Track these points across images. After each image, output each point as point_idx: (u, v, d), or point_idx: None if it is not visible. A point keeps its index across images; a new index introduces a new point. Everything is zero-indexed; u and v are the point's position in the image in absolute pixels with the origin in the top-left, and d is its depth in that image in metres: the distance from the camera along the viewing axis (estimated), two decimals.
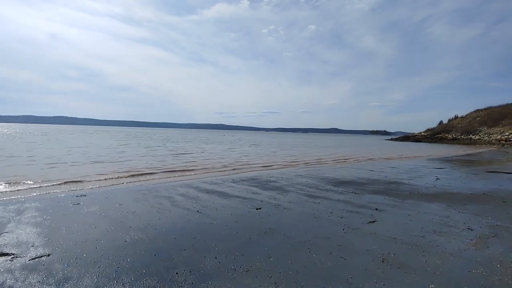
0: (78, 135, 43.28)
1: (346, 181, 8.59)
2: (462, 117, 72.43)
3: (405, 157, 20.00)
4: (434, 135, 63.72)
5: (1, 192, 6.38)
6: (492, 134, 53.37)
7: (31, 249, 3.27)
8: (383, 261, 3.09)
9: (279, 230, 4.05)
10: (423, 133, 68.31)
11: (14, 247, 3.31)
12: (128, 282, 2.59)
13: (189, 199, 5.86)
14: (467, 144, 50.48)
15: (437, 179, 9.28)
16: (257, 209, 5.21)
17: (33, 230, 3.85)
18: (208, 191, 6.65)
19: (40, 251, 3.20)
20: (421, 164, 14.68)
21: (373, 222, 4.50)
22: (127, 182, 7.96)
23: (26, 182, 7.44)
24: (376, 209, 5.31)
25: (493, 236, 3.94)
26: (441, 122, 76.29)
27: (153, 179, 8.70)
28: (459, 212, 5.19)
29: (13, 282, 2.57)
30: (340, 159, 17.43)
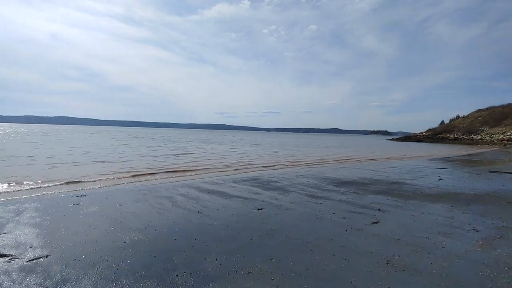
0: (79, 135, 43.32)
1: (348, 181, 8.52)
2: (463, 117, 72.22)
3: (407, 157, 19.90)
4: (436, 135, 63.53)
5: (1, 192, 6.35)
6: (494, 134, 53.16)
7: (29, 250, 3.22)
8: (387, 263, 3.03)
9: (281, 231, 3.99)
10: (424, 133, 68.12)
11: (13, 248, 3.27)
12: (127, 285, 2.53)
13: (190, 199, 5.80)
14: (469, 144, 50.29)
15: (440, 179, 9.20)
16: (258, 209, 5.15)
17: (32, 231, 3.81)
18: (209, 191, 6.59)
19: (38, 252, 3.15)
20: (423, 164, 14.59)
21: (376, 223, 4.43)
22: (127, 182, 7.92)
23: (26, 182, 7.40)
24: (379, 209, 5.24)
25: (499, 238, 3.86)
26: (442, 122, 76.15)
27: (154, 179, 8.66)
28: (463, 212, 5.12)
29: (10, 284, 2.52)
30: (342, 159, 17.35)
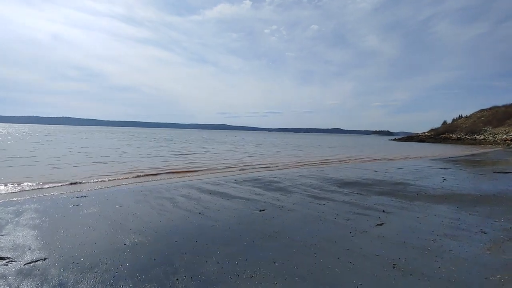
0: (81, 135, 43.40)
1: (351, 182, 8.42)
2: (466, 117, 71.76)
3: (410, 158, 19.75)
4: (438, 135, 63.16)
5: (1, 193, 6.30)
6: (497, 134, 52.76)
7: (27, 252, 3.15)
8: (393, 266, 2.94)
9: (284, 233, 3.90)
10: (427, 133, 67.75)
11: (10, 250, 3.20)
12: None
13: (191, 200, 5.73)
14: (472, 144, 49.95)
15: (444, 179, 9.07)
16: (260, 210, 5.07)
17: (31, 233, 3.74)
18: (210, 192, 6.52)
19: (36, 255, 3.08)
20: (426, 164, 14.45)
21: (381, 224, 4.34)
22: (128, 183, 7.86)
23: (27, 183, 7.35)
24: (383, 211, 5.15)
25: (508, 240, 3.76)
26: (445, 122, 75.71)
27: (155, 179, 8.59)
28: (469, 214, 5.01)
29: None
30: (344, 159, 17.23)
